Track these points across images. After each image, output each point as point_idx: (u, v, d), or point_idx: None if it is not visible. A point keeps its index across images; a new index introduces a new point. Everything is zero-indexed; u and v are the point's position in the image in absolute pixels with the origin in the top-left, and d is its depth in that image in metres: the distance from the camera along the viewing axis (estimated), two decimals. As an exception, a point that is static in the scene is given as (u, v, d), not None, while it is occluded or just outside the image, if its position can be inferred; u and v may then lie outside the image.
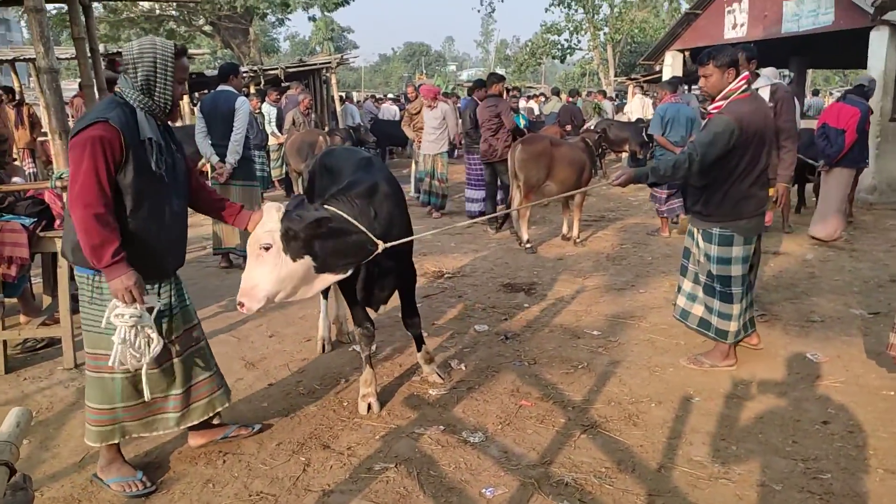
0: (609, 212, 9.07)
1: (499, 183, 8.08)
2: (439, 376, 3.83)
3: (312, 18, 32.06)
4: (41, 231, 4.07)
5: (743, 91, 3.67)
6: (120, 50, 14.22)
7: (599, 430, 3.27)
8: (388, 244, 3.15)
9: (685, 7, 27.55)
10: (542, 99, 18.32)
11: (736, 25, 12.03)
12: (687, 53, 13.75)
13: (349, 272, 3.15)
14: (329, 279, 3.11)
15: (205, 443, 3.15)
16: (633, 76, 20.88)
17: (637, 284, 5.78)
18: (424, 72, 58.75)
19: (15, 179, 4.51)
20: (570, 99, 13.30)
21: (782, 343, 4.37)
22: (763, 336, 4.34)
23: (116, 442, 2.82)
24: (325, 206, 3.06)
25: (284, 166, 10.47)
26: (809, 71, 21.91)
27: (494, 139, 7.66)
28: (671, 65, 13.87)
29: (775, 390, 3.70)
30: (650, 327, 4.70)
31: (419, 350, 3.90)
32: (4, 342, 4.05)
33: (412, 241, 3.51)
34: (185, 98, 11.92)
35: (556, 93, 14.09)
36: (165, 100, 2.64)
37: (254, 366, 4.14)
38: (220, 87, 6.02)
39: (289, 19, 29.31)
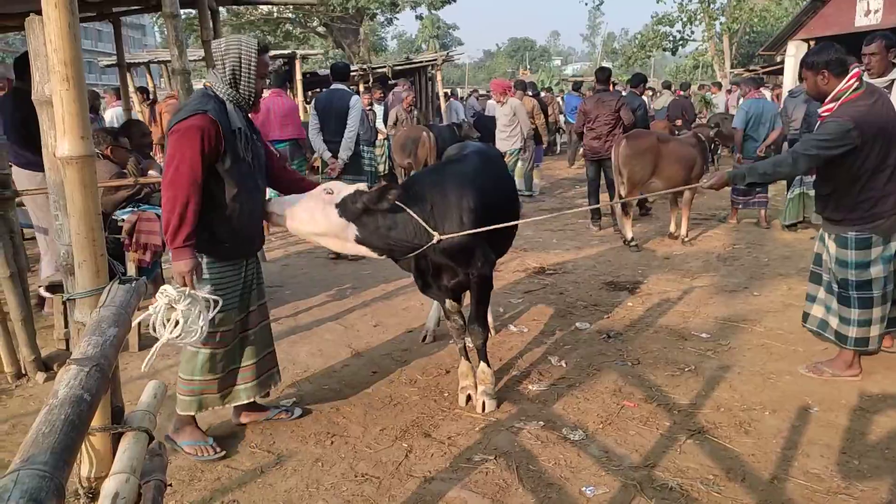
0: (721, 210, 8.66)
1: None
2: (484, 405, 3.44)
3: (419, 17, 32.66)
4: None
5: (855, 90, 3.40)
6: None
7: (707, 435, 3.15)
8: (445, 235, 3.12)
9: (811, -7, 25.85)
10: (651, 93, 17.72)
11: (869, 12, 11.13)
12: (812, 43, 12.86)
13: (398, 258, 3.28)
14: (364, 252, 3.16)
15: (250, 421, 3.35)
16: (751, 67, 19.76)
17: (751, 287, 5.50)
18: (528, 67, 58.26)
19: (151, 173, 4.91)
20: (681, 92, 12.78)
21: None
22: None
23: (195, 413, 3.06)
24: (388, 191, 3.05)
25: (388, 161, 10.77)
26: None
27: (611, 136, 7.47)
28: (795, 55, 13.05)
29: (906, 405, 3.42)
30: (765, 332, 4.46)
31: (478, 364, 3.62)
32: (139, 322, 4.41)
33: (479, 237, 3.24)
34: (300, 95, 12.49)
35: (668, 86, 13.58)
36: (249, 92, 2.85)
37: (359, 353, 4.30)
38: (335, 86, 6.27)
39: (397, 18, 29.96)
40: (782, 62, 15.19)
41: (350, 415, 3.46)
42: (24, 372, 3.87)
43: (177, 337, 2.55)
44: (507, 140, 8.86)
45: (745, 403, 3.48)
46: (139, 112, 11.33)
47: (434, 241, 3.11)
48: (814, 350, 4.06)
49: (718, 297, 5.25)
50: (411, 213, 3.09)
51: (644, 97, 12.69)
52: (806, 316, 3.98)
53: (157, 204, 4.41)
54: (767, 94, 12.40)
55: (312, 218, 3.00)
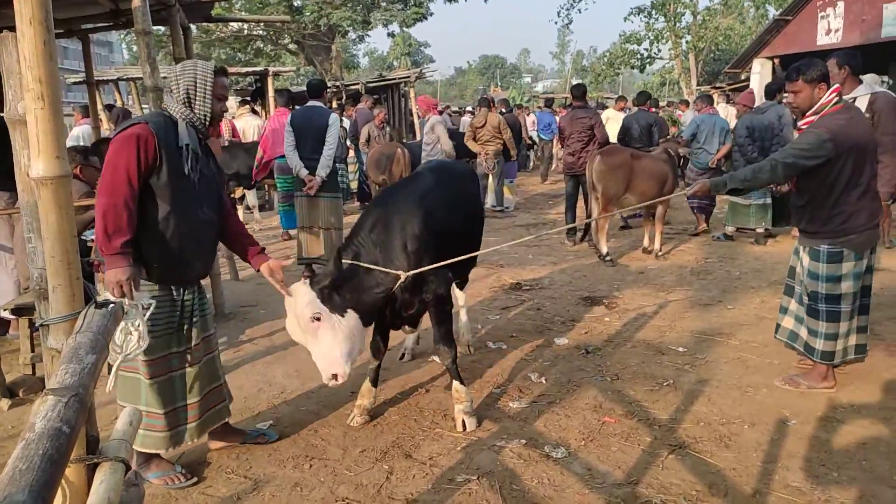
0: (691, 224, 8.78)
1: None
2: (464, 424, 3.41)
3: (391, 34, 32.80)
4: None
5: (835, 104, 3.50)
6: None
7: (688, 450, 3.16)
8: (411, 272, 3.21)
9: (773, 13, 26.57)
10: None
11: (830, 31, 11.49)
12: (776, 61, 13.22)
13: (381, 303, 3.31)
14: (373, 318, 3.31)
15: (223, 447, 3.26)
16: (717, 85, 20.22)
17: (724, 300, 5.57)
18: (500, 84, 58.85)
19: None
20: (652, 109, 12.97)
21: (885, 365, 4.10)
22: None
23: (148, 451, 2.93)
24: (340, 258, 3.16)
25: (360, 178, 10.78)
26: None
27: (585, 151, 7.57)
28: (759, 72, 13.40)
29: (879, 415, 3.47)
30: (740, 345, 4.51)
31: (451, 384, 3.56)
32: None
33: (431, 256, 3.33)
34: (272, 112, 12.39)
35: (644, 100, 13.75)
36: (205, 112, 2.83)
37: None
38: (311, 103, 6.23)
39: (368, 35, 30.06)
40: (748, 79, 15.57)
41: (329, 437, 3.39)
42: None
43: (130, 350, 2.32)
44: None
45: (724, 417, 3.50)
46: (107, 129, 11.14)
47: (402, 280, 3.19)
48: (789, 362, 4.11)
49: (693, 311, 5.30)
50: (366, 264, 3.17)
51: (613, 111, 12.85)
52: (777, 327, 4.04)
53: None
54: (732, 110, 12.66)
55: (332, 352, 3.08)
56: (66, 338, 1.37)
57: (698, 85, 26.17)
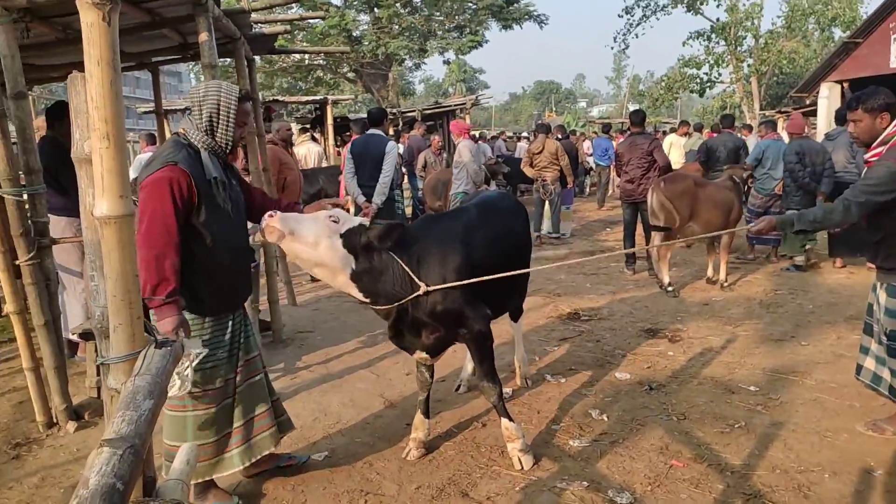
0: (760, 253, 8.43)
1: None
2: (520, 462, 3.29)
3: (447, 62, 33.18)
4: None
5: None
6: (276, 98, 15.50)
7: (764, 500, 2.95)
8: (432, 287, 3.04)
9: (839, 35, 25.71)
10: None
11: (905, 52, 10.97)
12: (846, 85, 12.71)
13: (379, 307, 3.08)
14: (352, 291, 3.04)
15: (258, 471, 3.19)
16: (782, 109, 19.60)
17: (798, 335, 5.27)
18: (554, 109, 58.74)
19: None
20: (713, 134, 12.64)
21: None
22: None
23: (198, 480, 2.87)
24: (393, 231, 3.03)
25: (414, 204, 10.87)
26: None
27: (644, 178, 7.38)
28: (827, 97, 12.90)
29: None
30: (816, 385, 4.24)
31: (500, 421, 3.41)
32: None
33: (470, 294, 3.18)
34: (331, 139, 12.66)
35: (699, 128, 13.47)
36: (227, 140, 2.75)
37: (392, 404, 4.18)
38: (371, 131, 6.30)
39: (424, 63, 30.54)
40: (814, 104, 15.02)
41: (384, 471, 3.32)
42: (55, 421, 3.82)
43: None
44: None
45: (801, 464, 3.27)
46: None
47: (420, 292, 3.03)
48: (871, 405, 3.84)
49: (764, 347, 5.04)
50: (400, 260, 3.03)
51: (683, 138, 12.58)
52: (859, 368, 3.78)
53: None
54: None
55: (316, 243, 2.82)
56: (125, 378, 1.35)
57: (761, 109, 25.46)
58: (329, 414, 4.03)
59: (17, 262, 3.66)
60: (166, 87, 52.83)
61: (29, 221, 3.67)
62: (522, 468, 3.28)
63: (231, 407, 2.91)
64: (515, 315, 4.39)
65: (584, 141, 18.03)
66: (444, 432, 3.74)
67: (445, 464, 3.38)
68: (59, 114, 4.77)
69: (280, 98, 15.64)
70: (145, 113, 13.52)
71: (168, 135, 11.31)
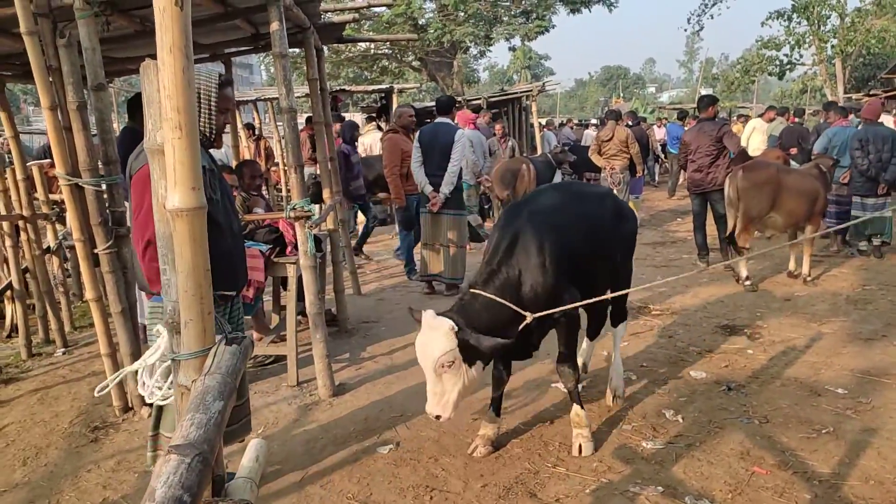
0: (845, 246, 7.94)
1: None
2: (580, 448, 3.32)
3: (512, 48, 32.76)
4: (275, 256, 4.45)
5: None
6: (342, 87, 15.65)
7: (858, 514, 2.74)
8: (537, 314, 3.04)
9: (937, 10, 23.90)
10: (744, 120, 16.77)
11: None
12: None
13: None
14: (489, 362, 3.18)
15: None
16: (871, 92, 18.43)
17: (889, 335, 4.92)
18: (622, 95, 57.23)
19: (256, 210, 5.00)
20: (796, 119, 11.98)
21: None
22: None
23: None
24: (475, 292, 3.07)
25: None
26: None
27: (714, 167, 7.05)
28: (924, 77, 11.97)
29: None
30: (913, 390, 3.94)
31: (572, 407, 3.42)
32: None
33: (565, 281, 3.19)
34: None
35: (782, 112, 12.78)
36: (210, 128, 2.64)
37: (439, 416, 4.10)
38: (439, 120, 6.24)
39: (490, 50, 30.21)
40: (907, 85, 14.02)
41: (450, 466, 3.27)
42: (130, 406, 3.95)
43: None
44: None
45: (898, 476, 3.03)
46: (246, 147, 11.82)
47: (527, 321, 3.04)
48: (979, 414, 3.52)
49: (852, 347, 4.72)
50: (500, 300, 3.02)
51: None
52: None
53: (260, 240, 4.46)
54: (890, 119, 11.45)
55: (448, 395, 2.98)
56: (195, 374, 1.32)
57: (846, 92, 24.02)
58: (394, 406, 4.01)
59: (95, 251, 3.77)
60: (238, 78, 54.19)
61: (107, 211, 3.78)
62: (581, 453, 3.31)
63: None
64: (615, 319, 4.15)
65: (658, 128, 17.48)
66: (511, 429, 3.65)
67: (512, 462, 3.30)
68: (138, 104, 4.90)
69: (346, 87, 15.77)
70: (218, 104, 13.89)
71: (240, 125, 11.57)
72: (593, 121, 21.61)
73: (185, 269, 1.33)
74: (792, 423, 3.59)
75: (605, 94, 67.82)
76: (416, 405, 3.99)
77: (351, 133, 8.17)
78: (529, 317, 3.02)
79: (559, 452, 3.37)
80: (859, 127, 7.62)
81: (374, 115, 13.03)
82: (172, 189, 1.33)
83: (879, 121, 7.60)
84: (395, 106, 12.67)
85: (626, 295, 4.12)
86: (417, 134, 6.39)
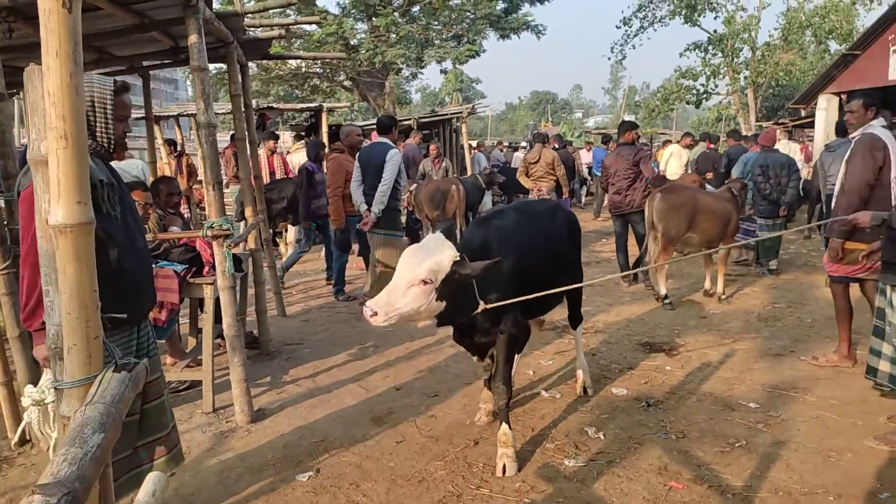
0: (757, 265, 8.33)
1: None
2: (504, 469, 3.32)
3: (444, 71, 33.14)
4: (191, 277, 4.27)
5: None
6: (270, 105, 15.39)
7: (768, 526, 2.83)
8: (489, 305, 3.18)
9: (835, 48, 25.76)
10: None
11: (903, 64, 10.95)
12: (843, 97, 12.68)
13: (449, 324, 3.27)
14: (432, 323, 3.17)
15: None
16: (779, 121, 19.59)
17: (797, 350, 5.16)
18: (550, 119, 58.79)
19: (172, 228, 4.80)
20: (711, 145, 12.57)
21: None
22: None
23: None
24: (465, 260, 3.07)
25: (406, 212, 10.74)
26: None
27: (631, 189, 7.31)
28: (825, 108, 12.86)
29: None
30: (818, 402, 4.12)
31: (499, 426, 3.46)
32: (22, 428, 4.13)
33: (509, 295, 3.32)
34: (326, 147, 12.55)
35: (704, 139, 13.40)
36: (108, 138, 2.50)
37: (381, 420, 4.04)
38: (379, 139, 6.26)
39: (422, 72, 30.40)
40: (810, 115, 14.98)
41: (371, 493, 3.18)
42: (27, 438, 3.67)
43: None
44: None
45: (805, 486, 3.14)
46: (166, 163, 11.43)
47: (479, 309, 3.16)
48: (875, 423, 3.72)
49: (763, 362, 4.92)
50: (474, 278, 3.07)
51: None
52: (874, 370, 3.77)
53: (175, 260, 4.27)
54: (795, 146, 12.15)
55: (417, 312, 2.95)
56: (79, 404, 1.22)
57: (757, 121, 25.47)
58: (315, 431, 3.89)
59: (-8, 272, 3.52)
60: (162, 93, 52.69)
61: (5, 229, 3.53)
62: (504, 474, 3.31)
63: (137, 425, 2.59)
64: (574, 322, 4.45)
65: (586, 151, 17.97)
66: (436, 454, 3.60)
67: (436, 485, 3.24)
68: None
69: (275, 105, 15.51)
70: (137, 119, 13.36)
71: (160, 141, 11.14)
72: (523, 143, 22.06)
73: (68, 290, 1.24)
74: (707, 437, 3.69)
75: (534, 118, 69.49)
76: (339, 430, 3.90)
77: (316, 151, 8.02)
78: (482, 306, 3.15)
79: (483, 474, 3.34)
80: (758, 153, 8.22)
81: (303, 133, 12.84)
82: (56, 203, 1.23)
83: (776, 147, 8.28)
84: (324, 125, 12.55)
85: (580, 301, 4.49)
86: (358, 154, 6.40)
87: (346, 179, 6.61)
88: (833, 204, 4.71)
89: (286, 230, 9.95)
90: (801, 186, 9.40)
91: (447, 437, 3.77)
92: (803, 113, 16.61)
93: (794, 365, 4.84)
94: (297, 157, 10.55)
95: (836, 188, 4.63)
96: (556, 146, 12.01)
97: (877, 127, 4.39)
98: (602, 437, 3.72)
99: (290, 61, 22.54)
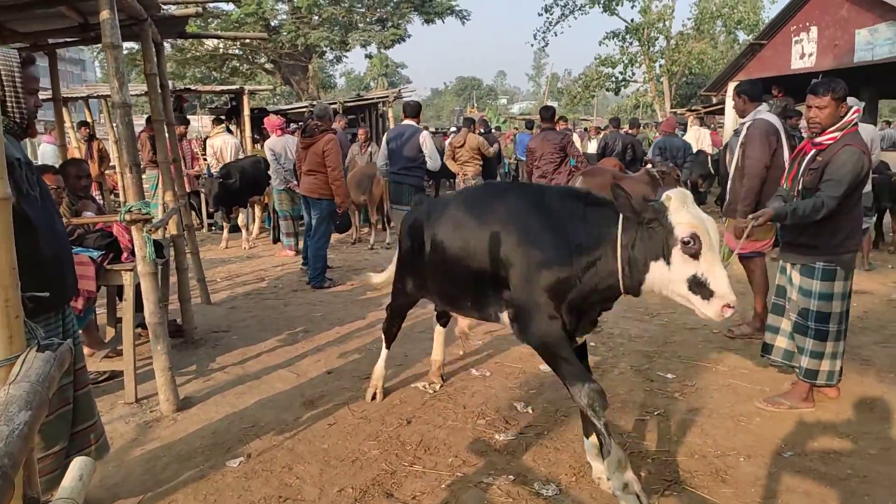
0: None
1: None
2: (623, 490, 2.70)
3: (369, 56, 32.77)
4: (108, 264, 4.10)
5: (854, 124, 3.55)
6: (188, 87, 14.79)
7: (684, 486, 3.01)
8: None
9: (743, 38, 27.10)
10: (597, 132, 18.06)
11: (804, 55, 11.66)
12: (751, 84, 13.39)
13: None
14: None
15: None
16: (693, 108, 20.48)
17: (710, 324, 5.46)
18: (475, 105, 59.17)
19: (86, 213, 4.58)
20: (630, 131, 13.02)
21: (879, 391, 4.01)
22: (857, 383, 4.05)
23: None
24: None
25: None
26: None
27: (557, 173, 7.50)
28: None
29: (877, 445, 3.36)
30: (729, 371, 4.40)
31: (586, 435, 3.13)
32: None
33: None
34: (247, 131, 12.22)
35: (617, 124, 13.85)
36: (20, 113, 2.41)
37: (313, 403, 4.02)
38: (405, 122, 7.07)
39: (346, 56, 29.92)
40: (721, 102, 15.74)
41: (304, 474, 3.18)
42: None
43: None
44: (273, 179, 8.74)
45: (718, 449, 3.36)
46: (76, 147, 10.84)
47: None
48: (781, 389, 4.00)
49: (679, 336, 5.19)
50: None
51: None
52: (768, 348, 4.01)
53: (90, 246, 4.08)
54: (705, 132, 12.75)
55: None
56: (2, 384, 1.17)
57: (672, 108, 26.53)
58: (245, 417, 3.83)
59: None
60: (69, 75, 49.60)
61: None
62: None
63: (69, 416, 2.51)
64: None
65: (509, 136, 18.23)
66: (369, 434, 3.61)
67: (369, 464, 3.27)
68: None
69: (193, 87, 14.94)
70: (44, 101, 12.59)
71: (69, 124, 10.54)
72: (452, 129, 22.12)
73: (-16, 269, 1.18)
74: (628, 407, 3.87)
75: (460, 104, 69.76)
76: (270, 415, 3.86)
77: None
78: None
79: (416, 451, 3.39)
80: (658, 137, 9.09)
81: (223, 117, 12.42)
82: (-32, 178, 1.17)
83: (675, 133, 9.52)
84: (245, 108, 12.19)
85: None
86: (386, 136, 7.00)
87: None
88: (729, 184, 5.02)
89: (238, 214, 9.74)
90: (710, 166, 10.05)
91: (379, 418, 3.80)
92: (714, 100, 17.45)
93: (707, 337, 5.13)
94: (218, 142, 10.22)
95: (732, 170, 4.94)
96: (482, 130, 12.13)
97: (765, 112, 4.77)
98: (531, 412, 3.84)
99: (208, 42, 21.75)
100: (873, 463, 3.17)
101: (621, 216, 2.74)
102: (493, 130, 15.21)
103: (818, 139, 3.60)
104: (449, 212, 3.40)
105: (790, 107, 8.12)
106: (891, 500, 2.86)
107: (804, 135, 4.71)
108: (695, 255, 2.59)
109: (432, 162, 6.85)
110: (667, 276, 2.68)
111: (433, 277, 3.52)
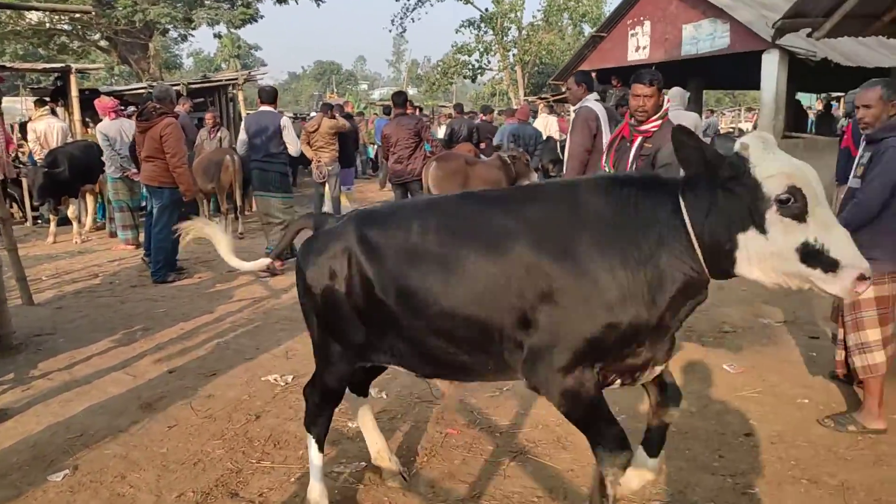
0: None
1: None
2: None
3: (218, 35, 31.11)
4: None
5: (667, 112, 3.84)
6: (4, 64, 13.19)
7: (528, 455, 3.14)
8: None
9: (588, 31, 28.69)
10: (447, 118, 18.36)
11: (639, 48, 12.54)
12: (594, 74, 14.17)
13: None
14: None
15: None
16: (542, 96, 21.39)
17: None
18: (335, 90, 58.14)
19: None
20: (485, 117, 13.35)
21: (699, 354, 4.41)
22: (679, 348, 4.40)
23: None
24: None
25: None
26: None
27: (412, 158, 7.50)
28: (579, 84, 14.25)
29: (697, 403, 3.69)
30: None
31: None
32: None
33: None
34: (76, 114, 11.14)
35: (461, 110, 14.17)
36: None
37: (151, 406, 3.75)
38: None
39: (192, 35, 28.06)
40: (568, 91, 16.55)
41: (139, 482, 2.96)
42: None
43: None
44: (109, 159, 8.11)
45: (559, 419, 3.46)
46: None
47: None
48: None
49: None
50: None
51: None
52: None
53: None
54: (553, 119, 13.33)
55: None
56: None
57: (525, 96, 27.59)
58: (71, 426, 3.49)
59: None
60: None
61: None
62: None
63: None
64: None
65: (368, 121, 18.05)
66: (214, 433, 3.42)
67: (213, 465, 3.10)
68: None
69: (9, 65, 13.35)
70: None
71: None
72: (312, 114, 21.54)
73: None
74: (481, 387, 3.97)
75: (319, 89, 68.16)
76: (101, 422, 3.56)
77: None
78: None
79: (265, 447, 3.27)
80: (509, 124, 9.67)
81: (47, 98, 11.22)
82: None
83: (528, 121, 10.14)
84: (73, 88, 11.10)
85: None
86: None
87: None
88: (565, 168, 5.40)
89: (68, 205, 8.77)
90: (559, 152, 10.60)
91: (226, 416, 3.62)
92: (563, 89, 18.32)
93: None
94: (42, 126, 9.23)
95: (566, 155, 5.28)
96: (337, 115, 11.91)
97: (591, 101, 5.12)
98: (385, 397, 3.83)
99: (30, 15, 19.56)
100: (692, 419, 3.48)
101: (680, 191, 2.07)
102: (351, 116, 14.99)
103: (644, 127, 3.86)
104: (420, 229, 2.33)
105: (627, 96, 8.74)
106: (707, 451, 3.16)
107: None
108: (799, 217, 1.89)
109: (293, 148, 6.88)
110: (766, 250, 1.94)
111: (401, 331, 2.39)
